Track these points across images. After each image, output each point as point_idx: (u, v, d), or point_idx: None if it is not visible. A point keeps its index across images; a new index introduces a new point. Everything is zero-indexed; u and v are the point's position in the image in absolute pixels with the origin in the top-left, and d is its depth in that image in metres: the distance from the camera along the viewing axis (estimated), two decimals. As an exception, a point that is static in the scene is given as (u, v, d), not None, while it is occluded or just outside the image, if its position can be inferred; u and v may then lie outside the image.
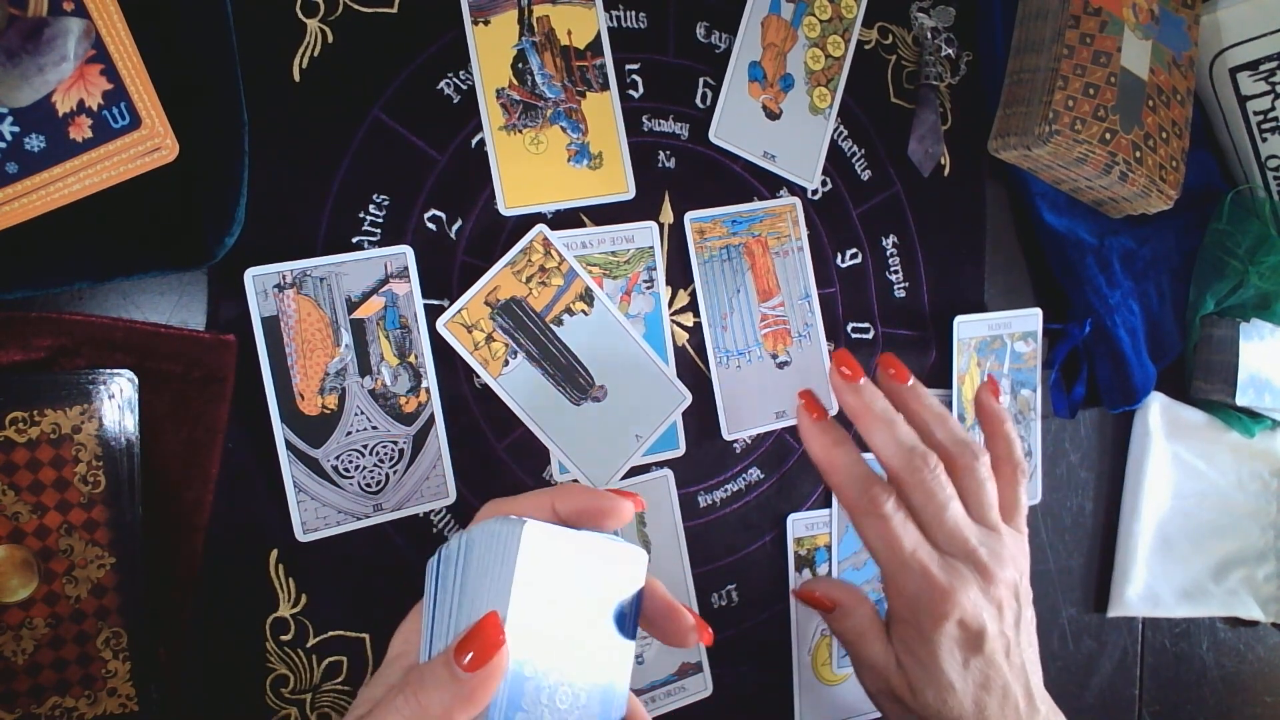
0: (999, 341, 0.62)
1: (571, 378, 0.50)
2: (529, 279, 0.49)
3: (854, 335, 0.59)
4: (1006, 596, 0.46)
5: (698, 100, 0.54)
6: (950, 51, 0.61)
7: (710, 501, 0.55)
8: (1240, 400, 0.69)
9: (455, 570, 0.32)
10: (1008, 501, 0.49)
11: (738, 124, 0.54)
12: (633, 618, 0.34)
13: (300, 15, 0.45)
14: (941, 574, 0.44)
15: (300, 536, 0.45)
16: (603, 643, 0.33)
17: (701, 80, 0.54)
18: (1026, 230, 0.65)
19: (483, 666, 0.29)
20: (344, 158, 0.46)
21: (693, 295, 0.54)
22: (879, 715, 0.59)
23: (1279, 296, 0.71)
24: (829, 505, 0.58)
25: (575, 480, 0.50)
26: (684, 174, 0.53)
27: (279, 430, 0.44)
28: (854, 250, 0.59)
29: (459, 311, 0.47)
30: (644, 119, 0.53)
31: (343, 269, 0.45)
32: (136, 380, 0.40)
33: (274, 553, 0.45)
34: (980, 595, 0.44)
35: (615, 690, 0.33)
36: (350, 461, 0.45)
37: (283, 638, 0.45)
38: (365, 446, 0.46)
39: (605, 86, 0.51)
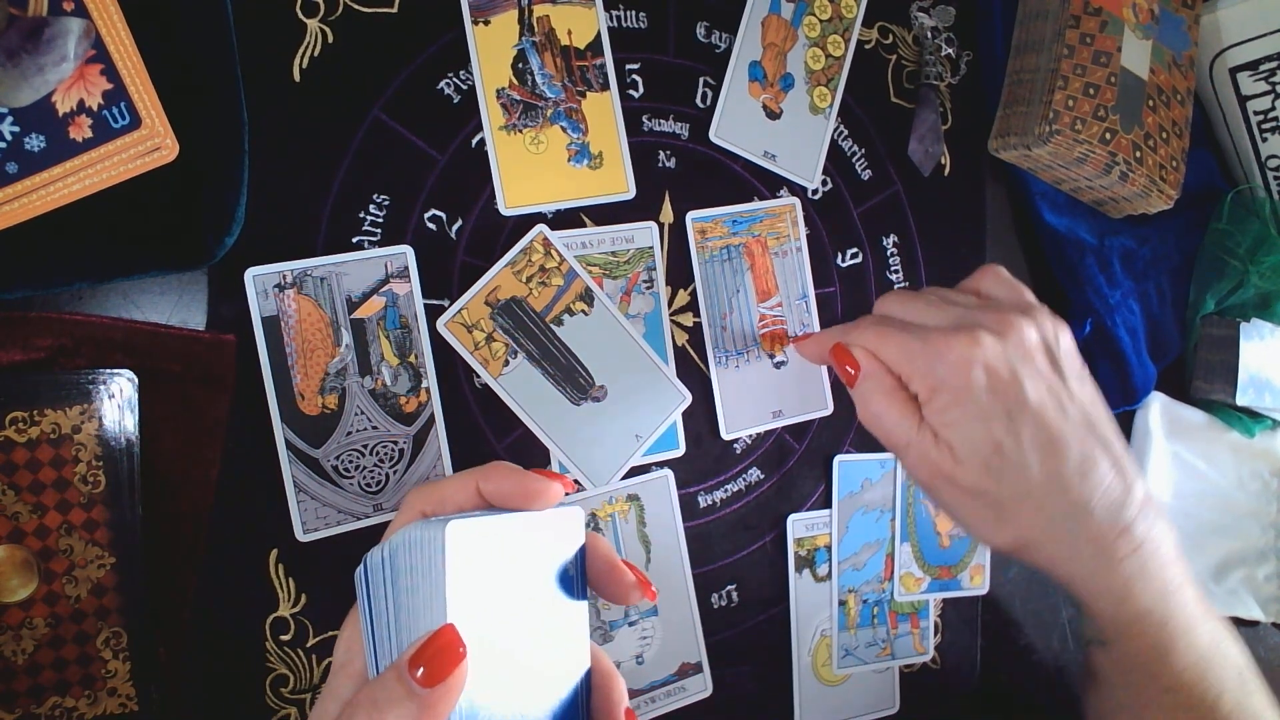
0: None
1: (571, 378, 0.50)
2: (529, 279, 0.49)
3: (854, 335, 0.59)
4: (1032, 344, 0.43)
5: (698, 100, 0.54)
6: (950, 51, 0.61)
7: (710, 502, 0.55)
8: (1240, 400, 0.69)
9: (384, 581, 0.31)
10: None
11: (738, 124, 0.54)
12: (579, 577, 0.33)
13: (300, 15, 0.45)
14: (951, 333, 0.42)
15: (300, 536, 0.45)
16: (552, 614, 0.32)
17: (701, 80, 0.54)
18: (1026, 230, 0.65)
19: (442, 681, 0.28)
20: (344, 158, 0.46)
21: (693, 295, 0.54)
22: (879, 714, 0.60)
23: (1279, 296, 0.71)
24: (829, 506, 0.58)
25: (576, 481, 0.50)
26: (684, 174, 0.53)
27: (279, 430, 0.44)
28: (854, 250, 0.59)
29: (459, 311, 0.47)
30: (644, 119, 0.53)
31: (343, 269, 0.45)
32: (136, 380, 0.40)
33: (274, 552, 0.45)
34: (998, 344, 0.42)
35: (570, 660, 0.32)
36: (350, 461, 0.45)
37: (283, 637, 0.45)
38: (365, 446, 0.46)
39: (605, 86, 0.51)
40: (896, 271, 0.60)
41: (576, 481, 0.39)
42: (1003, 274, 0.48)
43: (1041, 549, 0.43)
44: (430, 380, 0.47)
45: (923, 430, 0.43)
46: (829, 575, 0.58)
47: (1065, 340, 0.45)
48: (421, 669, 0.28)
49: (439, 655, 0.28)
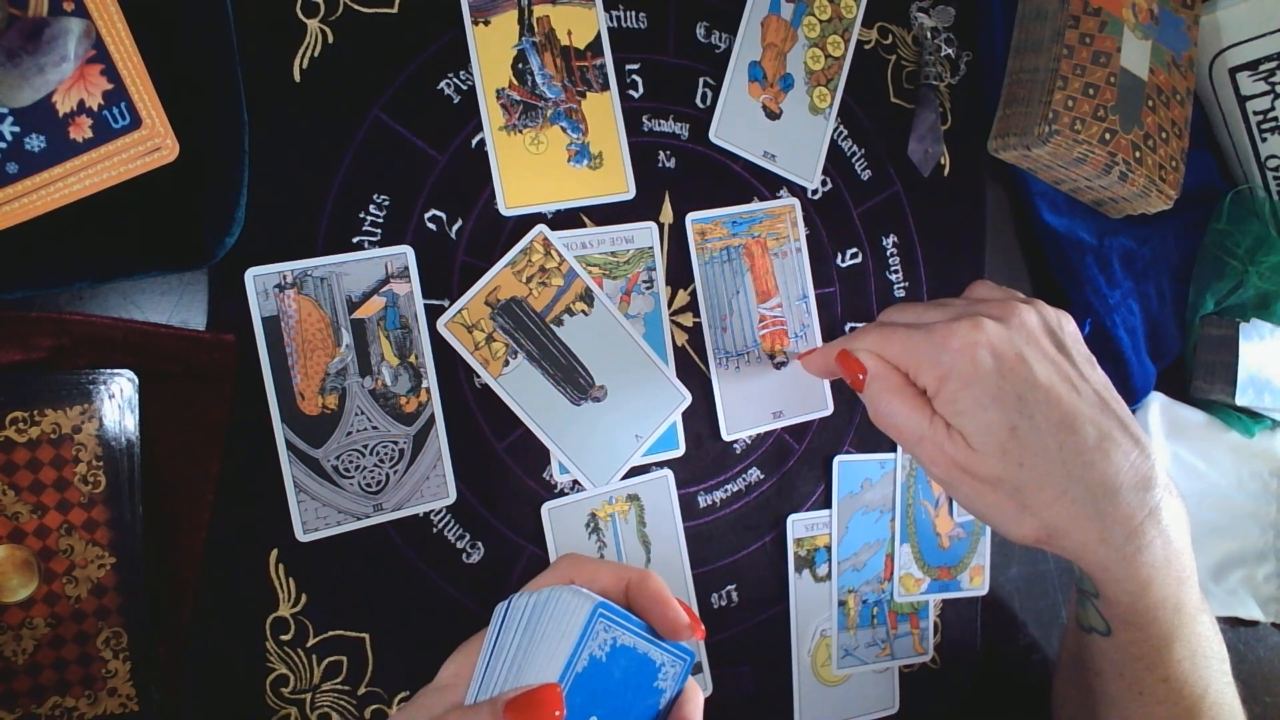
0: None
1: (571, 378, 0.50)
2: (529, 279, 0.49)
3: (854, 335, 0.59)
4: (1034, 326, 0.42)
5: (698, 100, 0.54)
6: (950, 51, 0.61)
7: (710, 502, 0.55)
8: (1240, 400, 0.69)
9: (519, 625, 0.33)
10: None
11: (738, 124, 0.54)
12: (664, 715, 0.35)
13: (300, 15, 0.45)
14: (953, 321, 0.42)
15: (300, 536, 0.45)
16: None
17: (701, 80, 0.54)
18: (1026, 230, 0.65)
19: None
20: (344, 158, 0.46)
21: (692, 295, 0.54)
22: (879, 714, 0.60)
23: (1278, 296, 0.71)
24: (829, 506, 0.58)
25: (575, 481, 0.50)
26: (684, 174, 0.53)
27: (279, 430, 0.44)
28: (854, 250, 0.59)
29: (459, 311, 0.47)
30: (644, 119, 0.53)
31: (343, 269, 0.45)
32: (136, 380, 0.40)
33: (274, 552, 0.45)
34: (1001, 329, 0.41)
35: None
36: (350, 461, 0.45)
37: (283, 637, 0.45)
38: (365, 446, 0.46)
39: (605, 86, 0.51)
40: (896, 271, 0.60)
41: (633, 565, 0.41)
42: (992, 283, 0.48)
43: (1069, 535, 0.41)
44: (430, 380, 0.47)
45: (935, 422, 0.42)
46: (829, 575, 0.58)
47: (1069, 326, 0.45)
48: (515, 714, 0.30)
49: (536, 708, 0.30)
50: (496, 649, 0.33)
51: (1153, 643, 0.43)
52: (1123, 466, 0.41)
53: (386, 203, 0.47)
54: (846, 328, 0.58)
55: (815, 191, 0.57)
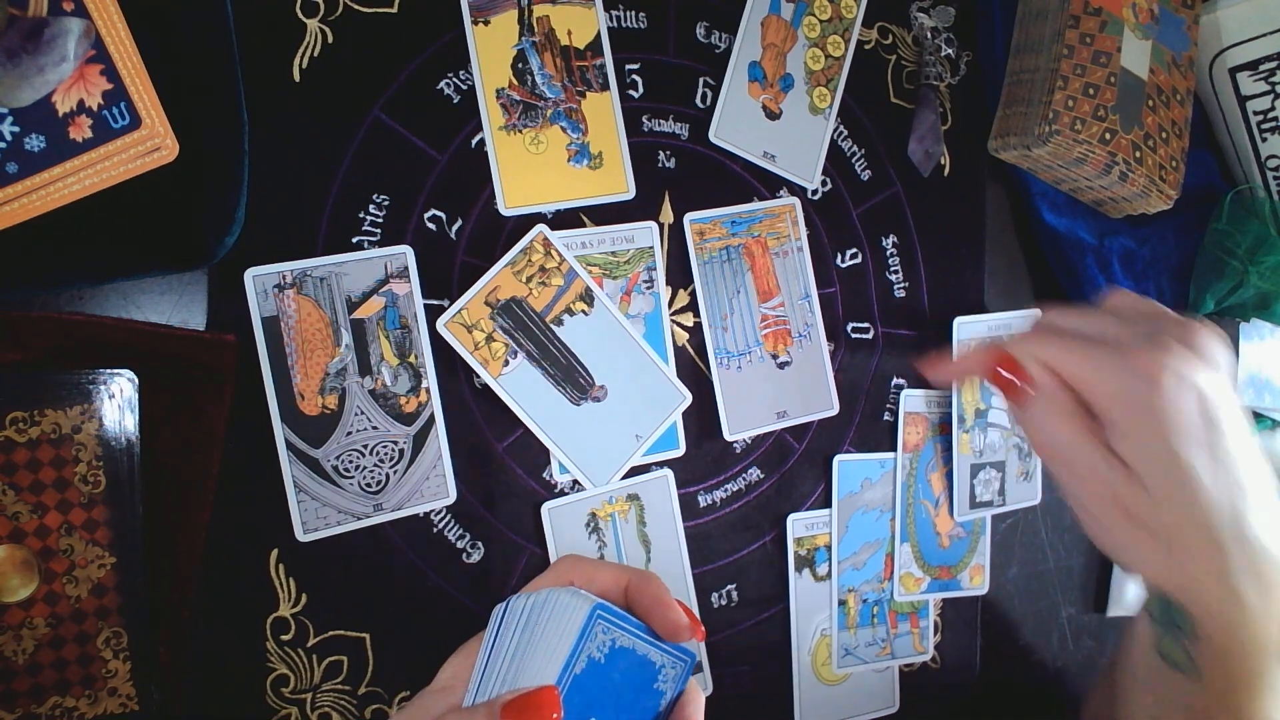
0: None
1: (571, 378, 0.50)
2: (529, 279, 0.49)
3: (854, 335, 0.59)
4: (1223, 364, 0.39)
5: (698, 100, 0.54)
6: (950, 51, 0.61)
7: (710, 501, 0.55)
8: (1240, 400, 0.69)
9: (517, 627, 0.33)
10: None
11: (738, 124, 0.54)
12: (664, 715, 0.35)
13: (300, 15, 0.45)
14: (1151, 350, 0.37)
15: (300, 536, 0.45)
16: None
17: (701, 80, 0.54)
18: (1026, 230, 0.65)
19: None
20: (344, 158, 0.46)
21: (693, 295, 0.54)
22: (879, 713, 0.60)
23: (1279, 296, 0.71)
24: (829, 505, 0.58)
25: (575, 481, 0.50)
26: (684, 174, 0.53)
27: (279, 430, 0.44)
28: (854, 250, 0.59)
29: (459, 311, 0.47)
30: (644, 119, 0.53)
31: (343, 269, 0.45)
32: (136, 380, 0.40)
33: (274, 552, 0.45)
34: (1201, 364, 0.37)
35: None
36: (350, 461, 0.45)
37: (283, 637, 0.45)
38: (365, 446, 0.46)
39: (605, 86, 0.51)
40: (896, 272, 0.60)
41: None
42: (1132, 294, 0.44)
43: (1201, 586, 0.39)
44: (430, 380, 0.47)
45: (1110, 461, 0.39)
46: (829, 575, 0.58)
47: (1229, 356, 0.42)
48: (513, 716, 0.30)
49: (533, 710, 0.30)
50: (494, 651, 0.33)
51: (1242, 692, 0.41)
52: (1269, 523, 0.39)
53: (386, 203, 0.47)
54: (848, 327, 0.58)
55: (815, 191, 0.57)
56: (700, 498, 0.54)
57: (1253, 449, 0.39)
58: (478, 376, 0.48)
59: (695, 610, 0.54)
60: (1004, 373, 0.41)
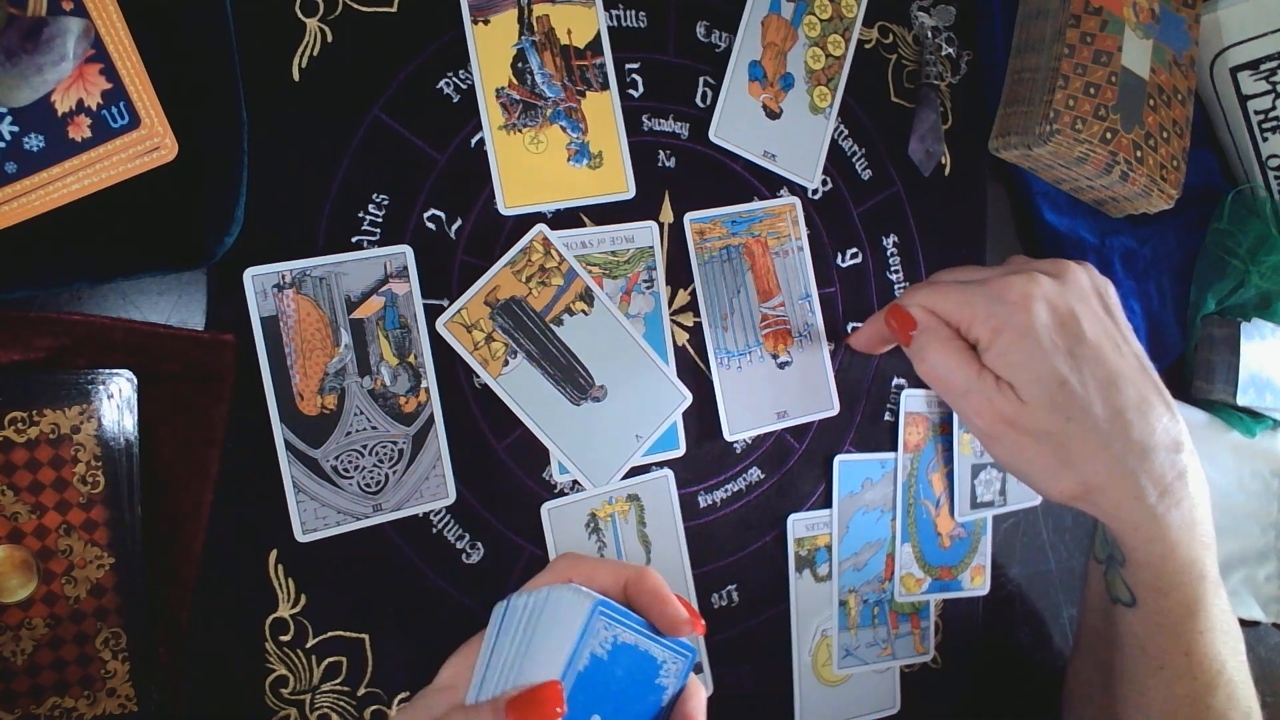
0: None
1: (571, 378, 0.50)
2: (529, 279, 0.49)
3: (854, 335, 0.58)
4: (1085, 285, 0.44)
5: (698, 99, 0.54)
6: (950, 51, 0.61)
7: (710, 502, 0.55)
8: (1241, 400, 0.69)
9: (519, 625, 0.33)
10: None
11: (738, 123, 0.54)
12: (666, 712, 0.35)
13: (300, 15, 0.45)
14: (1011, 276, 0.42)
15: (300, 537, 0.44)
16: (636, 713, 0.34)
17: (701, 79, 0.54)
18: (1027, 230, 0.65)
19: None
20: (344, 157, 0.46)
21: (693, 295, 0.54)
22: (880, 714, 0.60)
23: (1280, 296, 0.71)
24: (829, 505, 0.58)
25: (575, 481, 0.50)
26: (684, 173, 0.53)
27: (278, 430, 0.44)
28: (854, 250, 0.59)
29: (459, 311, 0.47)
30: (644, 118, 0.53)
31: (342, 269, 0.45)
32: (136, 380, 0.40)
33: (274, 553, 0.45)
34: (1056, 284, 0.43)
35: None
36: (350, 462, 0.45)
37: (282, 638, 0.45)
38: (365, 447, 0.46)
39: (605, 86, 0.51)
40: (897, 271, 0.60)
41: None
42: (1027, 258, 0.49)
43: (1105, 492, 0.42)
44: (430, 380, 0.47)
45: (983, 375, 0.43)
46: (829, 575, 0.58)
47: (1112, 291, 0.46)
48: (517, 713, 0.30)
49: (537, 706, 0.30)
50: (496, 649, 0.33)
51: (1178, 611, 0.44)
52: (1157, 428, 0.42)
53: (386, 202, 0.47)
54: (849, 328, 0.58)
55: (815, 191, 0.57)
56: (700, 498, 0.54)
57: (1118, 350, 0.43)
58: (477, 376, 0.48)
59: (695, 608, 0.54)
60: (892, 321, 0.46)
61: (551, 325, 0.49)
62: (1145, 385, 0.43)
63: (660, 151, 0.53)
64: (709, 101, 0.54)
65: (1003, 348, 0.42)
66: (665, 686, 0.34)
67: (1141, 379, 0.43)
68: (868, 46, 0.59)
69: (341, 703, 0.46)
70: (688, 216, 0.53)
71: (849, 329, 0.57)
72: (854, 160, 0.59)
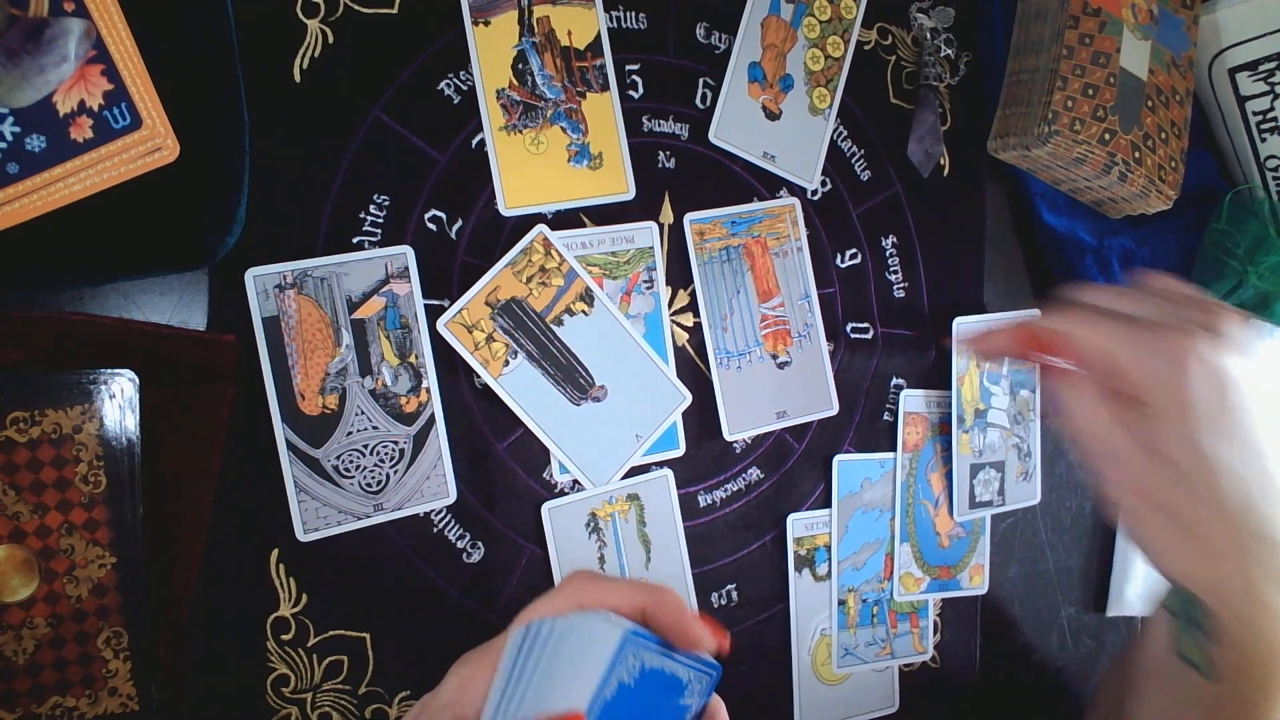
0: (998, 341, 0.62)
1: (571, 378, 0.50)
2: (529, 279, 0.49)
3: (853, 335, 0.59)
4: (1269, 358, 0.38)
5: (698, 100, 0.54)
6: (950, 52, 0.61)
7: (710, 501, 0.55)
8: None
9: (544, 650, 0.32)
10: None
11: (738, 124, 0.54)
12: None
13: (301, 16, 0.45)
14: (1193, 334, 0.37)
15: (301, 536, 0.45)
16: None
17: (701, 80, 0.54)
18: (1026, 231, 0.65)
19: None
20: (344, 158, 0.46)
21: (693, 295, 0.54)
22: (879, 713, 0.60)
23: (1278, 297, 0.71)
24: (829, 505, 0.58)
25: (575, 481, 0.50)
26: (684, 174, 0.53)
27: (279, 430, 0.44)
28: (853, 250, 0.59)
29: (459, 311, 0.47)
30: (644, 119, 0.53)
31: (343, 269, 0.45)
32: (137, 380, 0.40)
33: (275, 552, 0.45)
34: (1243, 356, 0.37)
35: None
36: (351, 461, 0.45)
37: (283, 637, 0.45)
38: (366, 446, 0.46)
39: (605, 87, 0.51)
40: (896, 272, 0.60)
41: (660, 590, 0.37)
42: (1175, 279, 0.43)
43: (1224, 587, 0.39)
44: (430, 380, 0.47)
45: (1136, 445, 0.38)
46: (829, 575, 0.58)
47: (1258, 337, 0.41)
48: None
49: None
50: (518, 672, 0.33)
51: (1257, 694, 0.41)
52: None
53: (386, 203, 0.47)
54: (847, 328, 0.58)
55: (815, 192, 0.57)
56: (700, 498, 0.54)
57: (1265, 422, 0.38)
58: (478, 376, 0.48)
59: (695, 608, 0.54)
60: (1036, 346, 0.40)
61: (552, 325, 0.49)
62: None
63: (660, 152, 0.53)
64: (709, 102, 0.54)
65: (1172, 418, 0.37)
66: (689, 706, 0.34)
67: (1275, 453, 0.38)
68: (867, 48, 0.59)
69: (342, 702, 0.46)
70: (688, 217, 0.53)
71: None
72: (853, 161, 0.59)
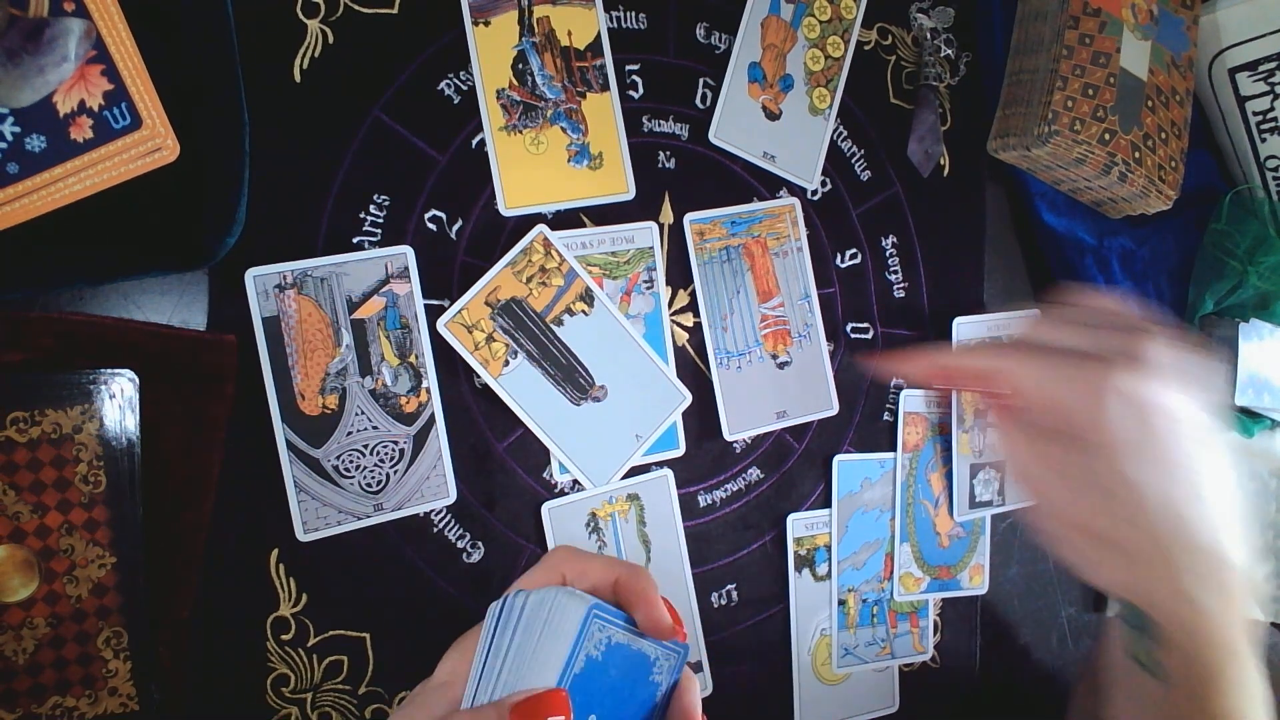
0: (998, 341, 0.62)
1: (571, 378, 0.50)
2: (529, 279, 0.49)
3: (853, 335, 0.59)
4: (1192, 383, 0.39)
5: (698, 101, 0.54)
6: (950, 52, 0.61)
7: (710, 501, 0.55)
8: (1239, 400, 0.69)
9: (515, 627, 0.33)
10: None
11: (738, 124, 0.54)
12: (661, 707, 0.35)
13: (301, 16, 0.45)
14: (1124, 369, 0.38)
15: (301, 536, 0.45)
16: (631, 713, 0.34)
17: (701, 81, 0.54)
18: (1025, 231, 0.65)
19: None
20: (344, 158, 0.46)
21: (693, 295, 0.54)
22: (879, 713, 0.60)
23: (1278, 297, 0.71)
24: (828, 505, 0.58)
25: (575, 481, 0.50)
26: (684, 174, 0.53)
27: (280, 430, 0.44)
28: (854, 250, 0.59)
29: (459, 312, 0.47)
30: (644, 119, 0.53)
31: (343, 269, 0.45)
32: (137, 380, 0.40)
33: (275, 552, 0.45)
34: (1167, 387, 0.38)
35: None
36: (351, 461, 0.45)
37: (283, 637, 0.45)
38: (366, 446, 0.46)
39: (605, 87, 0.51)
40: (896, 272, 0.60)
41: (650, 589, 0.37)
42: (1111, 301, 0.45)
43: (1163, 600, 0.41)
44: (430, 380, 0.47)
45: (1063, 476, 0.40)
46: (829, 575, 0.58)
47: (1191, 361, 0.42)
48: (523, 717, 0.30)
49: (544, 711, 0.30)
50: (493, 650, 0.33)
51: (1205, 688, 0.42)
52: (1223, 528, 0.40)
53: (386, 203, 0.47)
54: (847, 328, 0.58)
55: (815, 192, 0.57)
56: (700, 498, 0.54)
57: (1204, 452, 0.40)
58: (478, 376, 0.48)
59: (694, 610, 0.54)
60: (971, 385, 0.44)
61: (552, 325, 0.49)
62: (1220, 481, 0.40)
63: (660, 152, 0.53)
64: (709, 103, 0.54)
65: (1108, 458, 0.39)
66: (659, 683, 0.34)
67: (1217, 474, 0.40)
68: (867, 48, 0.59)
69: (342, 701, 0.46)
70: (688, 217, 0.53)
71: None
72: (853, 161, 0.59)
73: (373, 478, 0.46)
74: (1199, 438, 0.40)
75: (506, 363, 0.48)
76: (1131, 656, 0.47)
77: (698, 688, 0.35)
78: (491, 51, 0.48)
